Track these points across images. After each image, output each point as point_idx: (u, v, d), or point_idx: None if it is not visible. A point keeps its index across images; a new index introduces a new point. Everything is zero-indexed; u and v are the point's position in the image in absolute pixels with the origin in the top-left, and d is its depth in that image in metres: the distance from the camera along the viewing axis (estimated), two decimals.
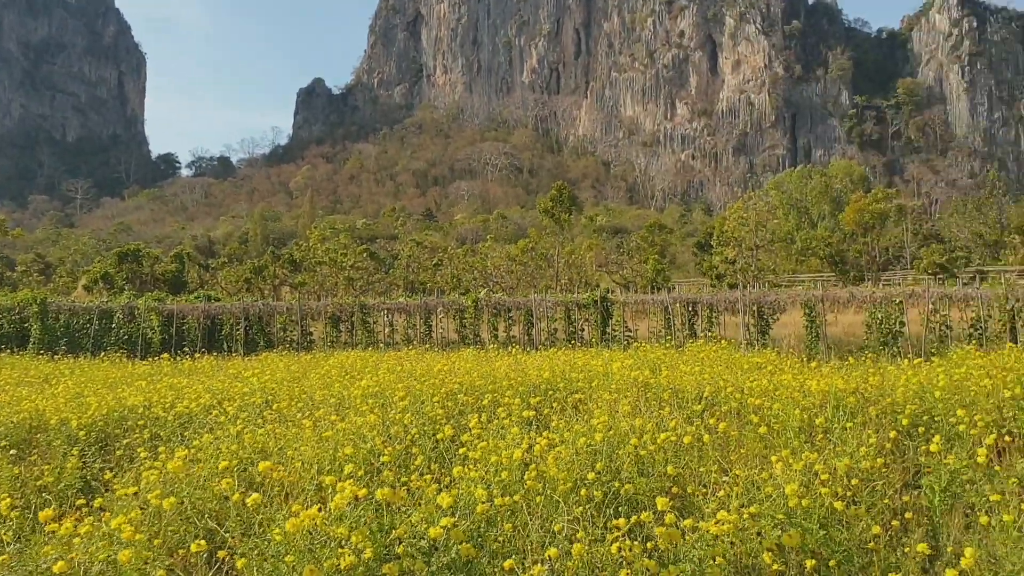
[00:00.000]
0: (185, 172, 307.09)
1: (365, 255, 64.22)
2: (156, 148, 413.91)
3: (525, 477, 5.95)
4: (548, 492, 5.88)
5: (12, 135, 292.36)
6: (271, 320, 33.05)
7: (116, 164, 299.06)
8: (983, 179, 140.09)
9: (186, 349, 28.39)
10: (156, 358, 21.09)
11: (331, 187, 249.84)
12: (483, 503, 5.20)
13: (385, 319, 33.19)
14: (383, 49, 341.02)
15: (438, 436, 7.76)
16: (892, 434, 7.52)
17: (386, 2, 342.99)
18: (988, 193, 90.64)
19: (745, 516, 5.18)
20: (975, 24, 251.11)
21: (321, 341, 31.82)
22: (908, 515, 6.07)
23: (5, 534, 5.35)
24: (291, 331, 32.47)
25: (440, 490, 5.40)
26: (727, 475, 6.52)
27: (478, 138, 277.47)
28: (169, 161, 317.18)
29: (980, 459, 6.38)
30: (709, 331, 27.30)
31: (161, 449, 7.63)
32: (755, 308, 27.14)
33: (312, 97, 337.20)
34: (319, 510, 4.41)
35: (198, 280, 69.33)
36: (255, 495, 4.91)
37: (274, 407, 10.29)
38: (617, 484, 6.29)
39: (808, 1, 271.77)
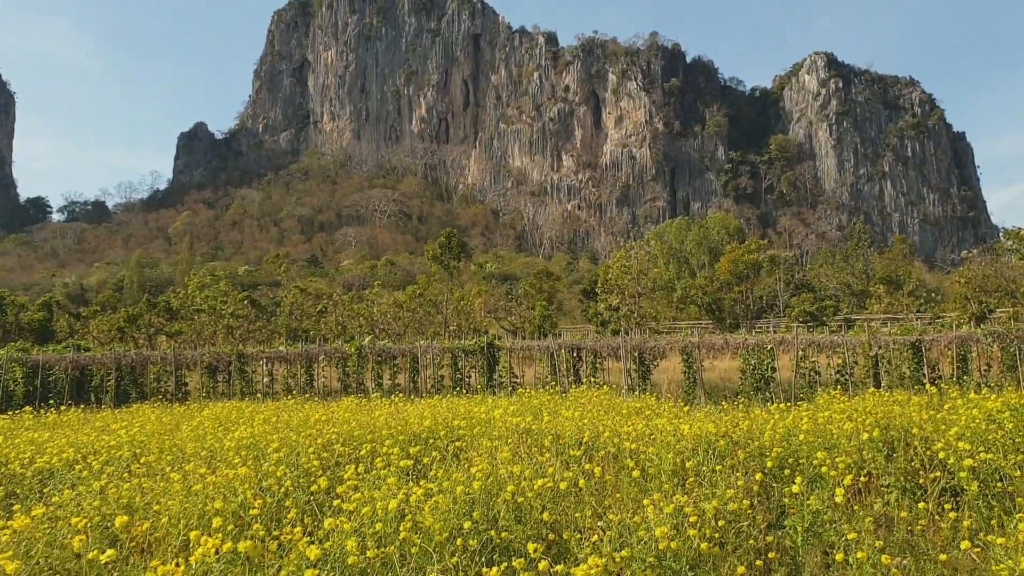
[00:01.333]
0: (57, 216, 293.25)
1: (246, 302, 62.67)
2: (25, 191, 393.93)
3: (401, 528, 5.87)
4: (424, 543, 5.82)
5: None
6: (144, 370, 31.72)
7: None
8: (850, 231, 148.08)
9: (52, 401, 26.91)
10: (18, 411, 19.89)
11: (212, 233, 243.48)
12: (354, 555, 5.11)
13: (264, 368, 32.34)
14: (268, 95, 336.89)
15: (312, 488, 7.58)
16: (759, 476, 7.78)
17: (272, 48, 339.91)
18: (855, 245, 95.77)
19: (617, 559, 5.25)
20: (841, 85, 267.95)
21: (197, 392, 30.72)
22: (772, 555, 6.28)
23: None
24: (166, 382, 31.24)
25: (311, 543, 5.28)
26: (602, 520, 6.61)
27: (366, 185, 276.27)
28: (39, 205, 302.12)
29: (838, 499, 6.68)
30: (593, 376, 27.71)
31: (16, 507, 7.20)
32: (636, 354, 27.73)
33: (194, 141, 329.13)
34: (178, 566, 4.24)
35: (68, 329, 66.05)
36: (110, 551, 4.70)
37: (142, 461, 9.86)
38: (493, 532, 6.28)
39: (686, 59, 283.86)
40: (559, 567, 4.91)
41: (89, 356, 32.27)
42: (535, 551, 5.02)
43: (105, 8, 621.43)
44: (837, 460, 8.29)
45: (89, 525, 6.06)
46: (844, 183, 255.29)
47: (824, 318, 65.34)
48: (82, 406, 24.05)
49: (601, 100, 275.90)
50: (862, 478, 7.88)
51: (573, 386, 24.11)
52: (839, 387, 22.00)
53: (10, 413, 20.37)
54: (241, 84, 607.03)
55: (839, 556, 5.77)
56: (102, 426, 15.24)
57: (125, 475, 9.10)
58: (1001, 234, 47.30)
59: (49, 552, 5.83)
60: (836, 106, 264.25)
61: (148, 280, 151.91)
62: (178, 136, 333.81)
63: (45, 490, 8.85)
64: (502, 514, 6.84)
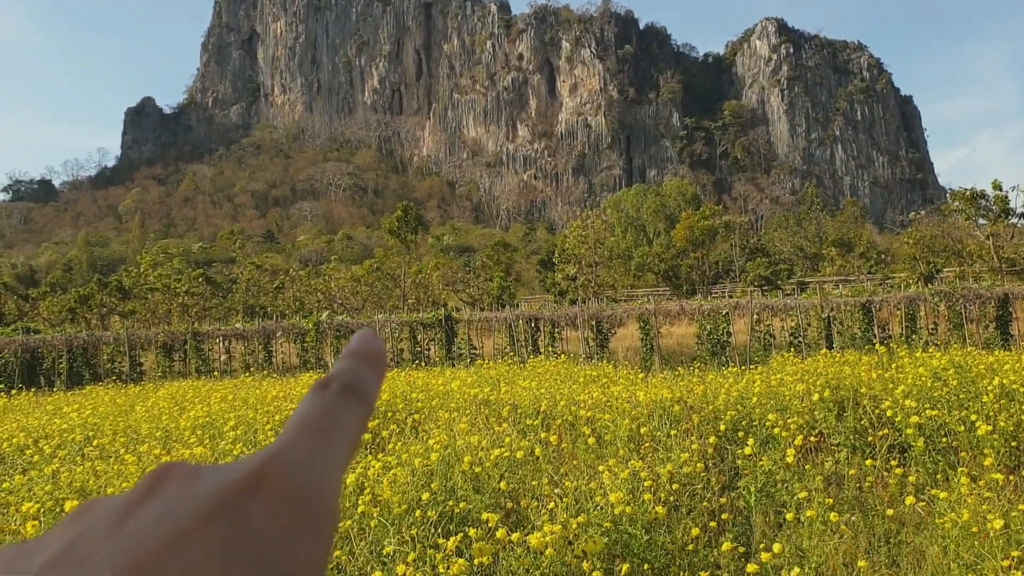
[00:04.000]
0: (1, 196, 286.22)
1: (201, 280, 61.74)
2: None
3: (359, 500, 5.88)
4: (382, 515, 5.84)
5: None
6: (97, 351, 31.20)
7: None
8: (803, 195, 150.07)
9: (1, 386, 26.39)
10: None
11: (164, 210, 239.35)
12: None
13: (221, 346, 32.03)
14: (217, 67, 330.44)
15: None
16: (713, 440, 7.91)
17: (219, 19, 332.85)
18: (807, 209, 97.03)
19: (573, 526, 5.31)
20: (792, 50, 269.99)
21: (152, 372, 30.34)
22: (725, 516, 6.40)
23: None
24: (119, 362, 30.78)
25: None
26: (558, 487, 6.67)
27: (320, 158, 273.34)
28: None
29: (790, 459, 6.82)
30: (551, 346, 27.86)
31: None
32: (594, 323, 27.92)
33: (141, 116, 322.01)
34: None
35: (17, 312, 64.61)
36: None
37: (96, 443, 9.73)
38: (452, 503, 6.32)
39: (639, 26, 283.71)
40: (516, 535, 4.96)
41: (39, 338, 31.65)
42: (492, 520, 5.06)
43: None
44: (789, 421, 8.46)
45: (42, 510, 5.98)
46: (796, 148, 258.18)
47: (779, 282, 66.24)
48: (33, 389, 23.64)
49: (555, 68, 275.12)
50: (813, 438, 8.05)
51: (531, 356, 24.23)
52: (793, 349, 22.37)
53: None
54: (189, 57, 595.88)
55: (790, 515, 5.89)
56: (54, 409, 15.00)
57: (78, 458, 8.97)
58: (948, 195, 48.20)
59: (1, 539, 5.74)
60: (787, 71, 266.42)
61: (99, 259, 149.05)
62: (125, 111, 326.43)
63: None
64: (460, 484, 6.88)
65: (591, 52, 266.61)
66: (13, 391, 21.58)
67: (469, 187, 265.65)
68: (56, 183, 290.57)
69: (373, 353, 0.38)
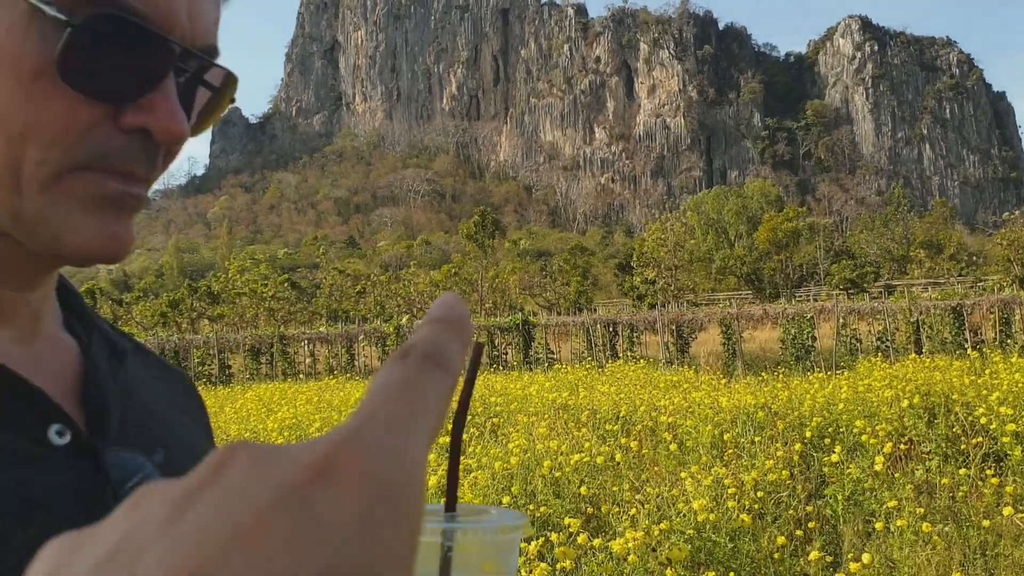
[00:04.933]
0: None
1: (286, 285, 63.35)
2: None
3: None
4: None
5: None
6: (188, 354, 32.23)
7: None
8: (889, 196, 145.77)
9: None
10: None
11: (250, 217, 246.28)
12: None
13: (306, 349, 32.74)
14: (300, 77, 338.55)
15: None
16: (798, 446, 7.75)
17: (302, 30, 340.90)
18: (894, 210, 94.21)
19: (655, 532, 5.27)
20: (876, 48, 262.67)
21: (240, 374, 31.20)
22: (812, 524, 6.26)
23: None
24: (209, 365, 31.72)
25: None
26: (640, 493, 6.63)
27: (400, 165, 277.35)
28: None
29: (878, 467, 6.63)
30: (630, 351, 27.66)
31: None
32: (674, 327, 27.63)
33: (229, 126, 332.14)
34: None
35: (112, 316, 67.24)
36: None
37: None
38: (532, 507, 6.34)
39: (719, 26, 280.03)
40: (597, 540, 4.95)
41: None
42: (574, 526, 5.06)
43: None
44: (877, 428, 8.22)
45: None
46: (882, 147, 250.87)
47: (865, 285, 64.55)
48: None
49: (633, 70, 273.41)
50: (902, 446, 7.81)
51: (609, 361, 24.11)
52: (880, 354, 21.75)
53: None
54: (273, 68, 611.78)
55: (879, 524, 5.74)
56: None
57: None
58: None
59: None
60: (872, 69, 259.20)
61: (188, 265, 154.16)
62: None
63: None
64: (540, 489, 6.90)
65: (670, 53, 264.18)
66: None
67: (546, 191, 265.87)
68: (148, 192, 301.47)
69: (455, 318, 0.34)
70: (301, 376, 27.98)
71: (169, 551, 0.23)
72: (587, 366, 20.55)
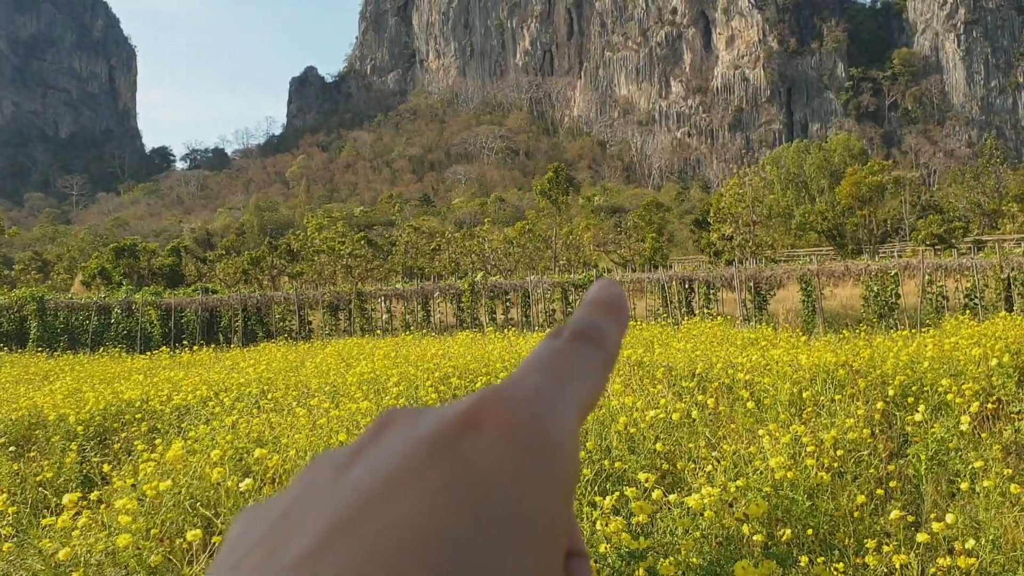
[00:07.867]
0: (180, 165, 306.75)
1: (363, 242, 64.31)
2: (149, 141, 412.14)
3: None
4: None
5: (5, 132, 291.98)
6: (269, 311, 33.09)
7: (110, 159, 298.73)
8: (981, 148, 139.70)
9: (185, 342, 28.39)
10: (155, 352, 21.17)
11: (327, 175, 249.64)
12: None
13: (383, 306, 33.27)
14: (374, 35, 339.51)
15: None
16: (880, 405, 7.60)
17: None
18: (986, 162, 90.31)
19: (732, 489, 5.25)
20: None
21: (320, 330, 31.90)
22: (893, 483, 6.15)
23: (5, 528, 5.41)
24: (289, 321, 32.53)
25: None
26: (716, 450, 6.59)
27: (473, 122, 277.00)
28: (164, 154, 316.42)
29: (964, 427, 6.46)
30: (706, 308, 27.36)
31: (158, 441, 7.71)
32: (752, 284, 27.19)
33: (305, 86, 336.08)
34: None
35: (196, 273, 69.36)
36: (248, 481, 4.99)
37: (270, 396, 10.35)
38: (607, 462, 6.36)
39: None
40: (673, 496, 4.95)
41: (217, 298, 33.87)
42: (649, 481, 5.06)
43: None
44: (964, 387, 7.99)
45: (223, 458, 6.43)
46: (974, 97, 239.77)
47: (953, 240, 62.34)
48: (212, 346, 25.35)
49: (711, 21, 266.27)
50: (990, 405, 7.57)
51: (685, 318, 23.89)
52: (968, 312, 21.06)
53: (148, 354, 21.71)
54: (349, 26, 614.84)
55: (964, 485, 5.60)
56: (231, 364, 16.05)
57: (254, 411, 9.58)
58: None
59: (190, 482, 6.24)
60: (964, 14, 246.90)
61: (268, 223, 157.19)
62: (290, 81, 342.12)
63: (183, 425, 9.42)
64: (615, 444, 6.92)
65: (749, 2, 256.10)
66: (195, 347, 23.25)
67: (620, 146, 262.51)
68: (228, 151, 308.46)
69: (610, 299, 0.37)
70: (378, 332, 28.46)
71: (330, 505, 0.26)
72: (662, 323, 20.42)
